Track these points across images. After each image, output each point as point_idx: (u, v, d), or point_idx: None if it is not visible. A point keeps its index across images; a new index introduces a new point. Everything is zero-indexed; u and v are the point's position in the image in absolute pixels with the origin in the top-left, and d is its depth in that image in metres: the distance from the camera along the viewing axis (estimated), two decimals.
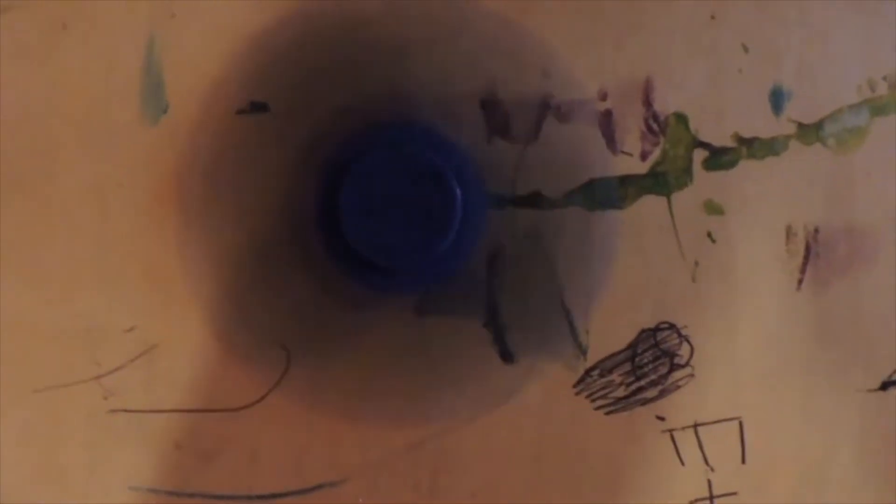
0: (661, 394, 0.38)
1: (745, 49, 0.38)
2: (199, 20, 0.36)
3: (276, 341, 0.37)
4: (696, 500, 0.38)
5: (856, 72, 0.38)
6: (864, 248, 0.38)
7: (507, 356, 0.37)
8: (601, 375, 0.37)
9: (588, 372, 0.37)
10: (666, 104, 0.37)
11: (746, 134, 0.38)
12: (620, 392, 0.37)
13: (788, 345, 0.38)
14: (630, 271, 0.37)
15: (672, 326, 0.37)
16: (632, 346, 0.37)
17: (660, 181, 0.37)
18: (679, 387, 0.38)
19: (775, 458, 0.38)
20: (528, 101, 0.37)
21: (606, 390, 0.37)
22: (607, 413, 0.37)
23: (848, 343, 0.38)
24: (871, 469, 0.38)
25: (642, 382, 0.38)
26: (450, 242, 0.35)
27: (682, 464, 0.38)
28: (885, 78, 0.38)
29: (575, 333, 0.37)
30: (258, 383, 0.36)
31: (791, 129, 0.38)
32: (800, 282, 0.38)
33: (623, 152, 0.37)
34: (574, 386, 0.37)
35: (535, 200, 0.37)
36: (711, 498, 0.38)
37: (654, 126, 0.37)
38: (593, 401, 0.37)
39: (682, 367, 0.38)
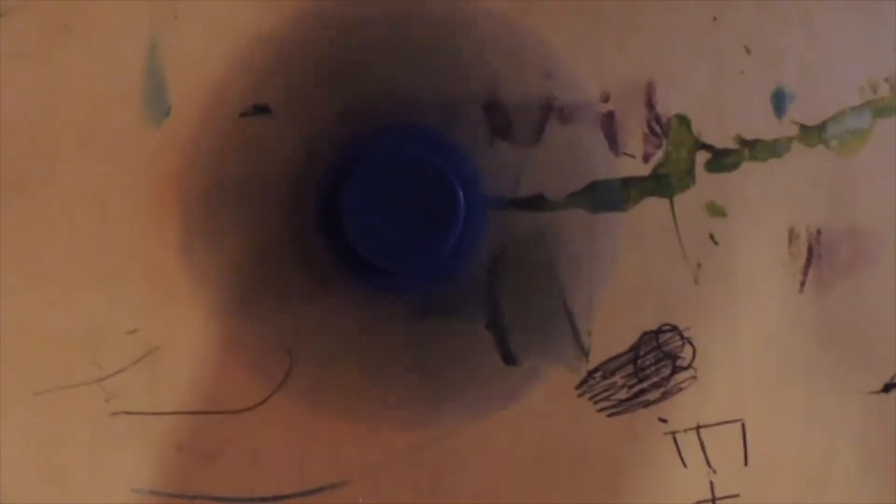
0: (664, 396, 0.38)
1: (748, 51, 0.38)
2: (202, 22, 0.36)
3: (278, 343, 0.37)
4: (699, 502, 0.38)
5: (858, 73, 0.38)
6: (867, 249, 0.38)
7: (508, 358, 0.37)
8: (603, 377, 0.37)
9: (590, 374, 0.37)
10: (668, 106, 0.37)
11: (749, 136, 0.38)
12: (622, 394, 0.37)
13: (791, 347, 0.38)
14: (632, 273, 0.37)
15: (674, 328, 0.37)
16: (634, 348, 0.37)
17: (662, 183, 0.37)
18: (681, 389, 0.38)
19: (777, 460, 0.38)
20: (530, 102, 0.37)
21: (608, 392, 0.37)
22: (609, 415, 0.37)
23: (850, 345, 0.38)
24: (872, 471, 0.38)
25: (644, 384, 0.38)
26: (452, 244, 0.35)
27: (685, 466, 0.38)
28: (886, 79, 0.38)
29: (577, 335, 0.37)
30: (260, 385, 0.36)
31: (793, 130, 0.38)
32: (802, 284, 0.38)
33: (625, 154, 0.37)
34: (576, 388, 0.37)
35: (537, 202, 0.37)
36: (714, 500, 0.38)
37: (657, 128, 0.37)
38: (595, 403, 0.37)
39: (685, 369, 0.38)
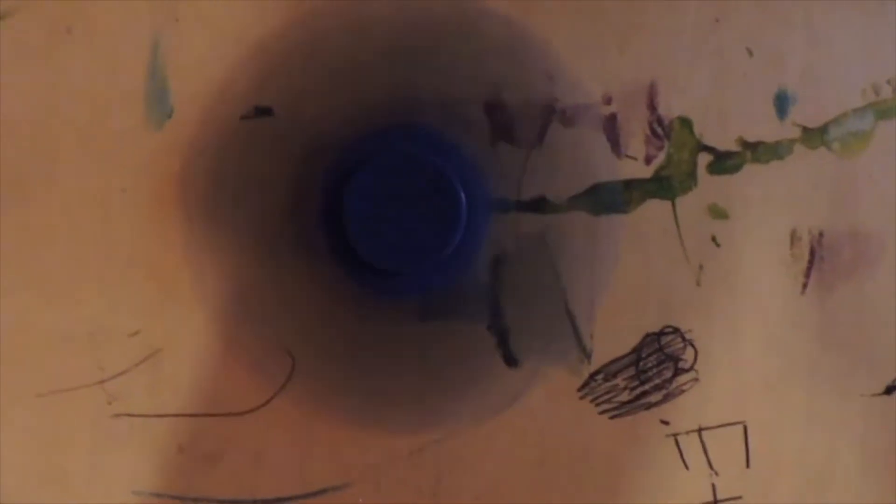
0: (666, 398, 0.38)
1: (750, 53, 0.38)
2: (204, 24, 0.36)
3: (280, 345, 0.36)
4: None
5: (860, 75, 0.38)
6: (869, 252, 0.38)
7: (510, 360, 0.37)
8: (605, 380, 0.37)
9: (592, 376, 0.37)
10: (670, 108, 0.37)
11: (751, 138, 0.38)
12: (624, 396, 0.37)
13: (793, 349, 0.38)
14: (634, 275, 0.37)
15: (676, 330, 0.37)
16: (636, 350, 0.37)
17: (664, 185, 0.37)
18: (683, 391, 0.38)
19: (779, 462, 0.38)
20: (532, 105, 0.37)
21: (610, 394, 0.37)
22: (611, 417, 0.37)
23: (852, 347, 0.38)
24: (874, 473, 0.38)
25: (646, 387, 0.38)
26: (454, 246, 0.35)
27: (686, 468, 0.38)
28: (889, 81, 0.38)
29: (579, 337, 0.37)
30: (262, 387, 0.36)
31: (795, 132, 0.38)
32: (804, 286, 0.38)
33: (627, 156, 0.37)
34: (578, 390, 0.37)
35: (539, 205, 0.37)
36: (715, 502, 0.38)
37: (659, 130, 0.37)
38: (597, 405, 0.37)
39: (687, 371, 0.38)
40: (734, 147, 0.38)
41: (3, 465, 0.36)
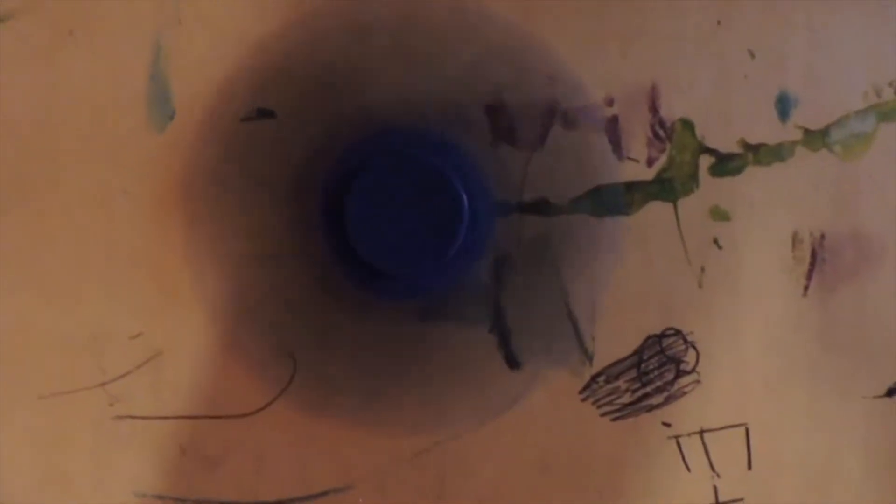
0: (667, 400, 0.38)
1: (752, 55, 0.38)
2: (206, 27, 0.36)
3: (281, 348, 0.36)
4: None
5: (862, 78, 0.38)
6: (871, 253, 0.38)
7: (512, 362, 0.37)
8: (607, 382, 0.37)
9: (594, 378, 0.37)
10: (672, 110, 0.37)
11: (753, 140, 0.38)
12: (626, 398, 0.37)
13: (794, 351, 0.38)
14: (636, 277, 0.37)
15: (678, 332, 0.37)
16: (638, 352, 0.37)
17: (666, 187, 0.37)
18: (685, 393, 0.38)
19: (781, 464, 0.38)
20: (534, 107, 0.37)
21: (612, 396, 0.37)
22: (613, 419, 0.37)
23: (854, 349, 0.38)
24: (876, 475, 0.38)
25: (648, 389, 0.38)
26: (455, 248, 0.35)
27: (688, 470, 0.38)
28: (890, 84, 0.38)
29: (581, 339, 0.37)
30: (264, 390, 0.36)
31: (797, 135, 0.38)
32: (806, 288, 0.38)
33: (629, 158, 0.37)
34: (580, 392, 0.37)
35: (541, 207, 0.37)
36: None
37: (661, 132, 0.37)
38: (599, 407, 0.37)
39: (688, 373, 0.38)
40: (736, 149, 0.38)
41: (5, 467, 0.36)
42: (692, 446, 0.38)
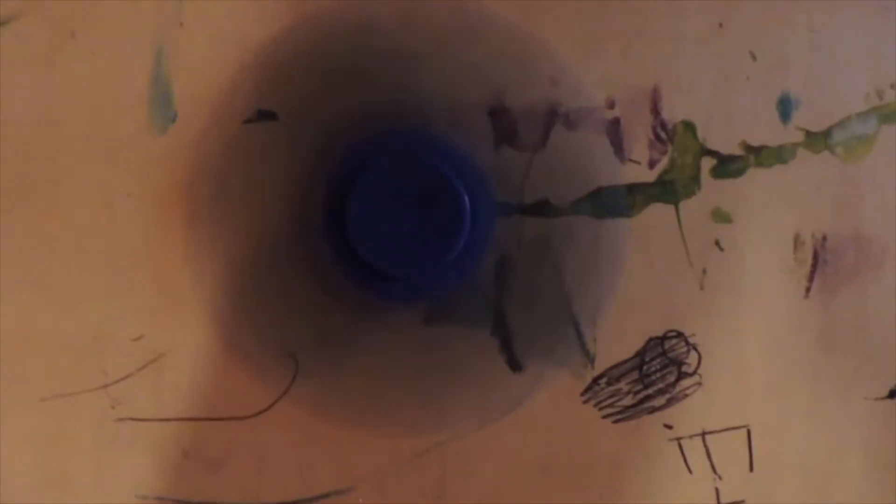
0: (669, 402, 0.38)
1: (753, 57, 0.38)
2: (208, 28, 0.36)
3: (283, 349, 0.36)
4: None
5: (863, 80, 0.38)
6: (872, 255, 0.38)
7: (514, 364, 0.37)
8: (609, 384, 0.37)
9: (595, 380, 0.37)
10: (674, 112, 0.37)
11: (754, 142, 0.38)
12: (628, 400, 0.37)
13: (796, 353, 0.38)
14: (638, 279, 0.37)
15: (680, 334, 0.37)
16: (639, 354, 0.37)
17: (668, 189, 0.37)
18: (687, 395, 0.38)
19: (783, 466, 0.38)
20: (535, 109, 0.37)
21: (614, 398, 0.37)
22: (615, 421, 0.37)
23: (855, 351, 0.38)
24: (877, 477, 0.38)
25: (650, 391, 0.38)
26: (457, 250, 0.35)
27: (690, 472, 0.38)
28: (892, 86, 0.38)
29: (582, 341, 0.37)
30: (266, 391, 0.36)
31: (799, 136, 0.38)
32: (807, 290, 0.38)
33: (631, 160, 0.37)
34: (581, 394, 0.37)
35: (542, 208, 0.37)
36: None
37: (662, 134, 0.37)
38: (601, 409, 0.37)
39: (690, 375, 0.38)
40: (737, 151, 0.38)
41: (6, 470, 0.36)
42: (694, 448, 0.38)
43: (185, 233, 0.36)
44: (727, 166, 0.38)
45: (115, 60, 0.36)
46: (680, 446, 0.38)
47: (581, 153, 0.37)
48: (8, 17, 0.36)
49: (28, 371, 0.36)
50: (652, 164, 0.37)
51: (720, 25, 0.38)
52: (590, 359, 0.37)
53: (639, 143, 0.37)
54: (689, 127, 0.37)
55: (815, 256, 0.38)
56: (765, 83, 0.38)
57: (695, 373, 0.38)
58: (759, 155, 0.38)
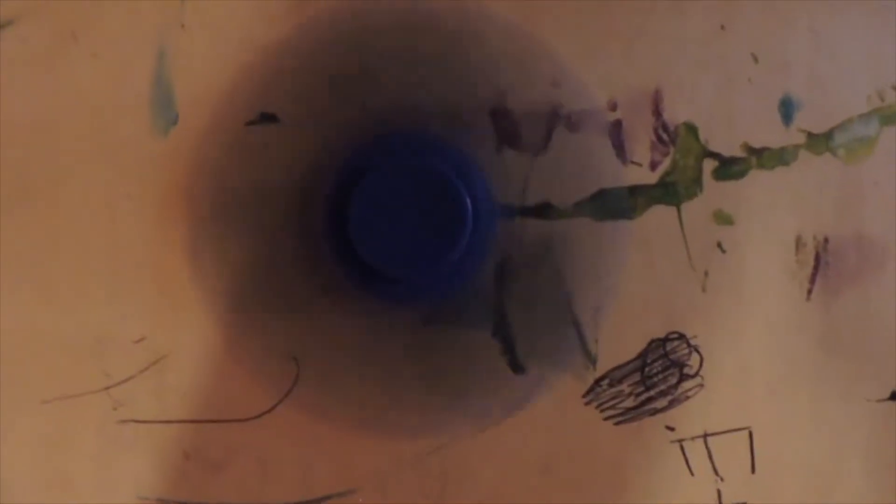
0: (671, 404, 0.38)
1: (755, 59, 0.38)
2: (209, 31, 0.36)
3: (284, 351, 0.36)
4: None
5: (865, 81, 0.38)
6: (874, 257, 0.38)
7: (516, 366, 0.37)
8: (610, 385, 0.37)
9: (597, 382, 0.37)
10: (675, 114, 0.37)
11: (756, 144, 0.38)
12: (630, 402, 0.37)
13: (798, 354, 0.38)
14: (639, 281, 0.37)
15: (681, 336, 0.37)
16: (641, 356, 0.37)
17: (669, 191, 0.37)
18: (688, 397, 0.38)
19: (784, 467, 0.38)
20: (537, 111, 0.37)
21: (616, 400, 0.37)
22: (616, 423, 0.37)
23: (857, 353, 0.38)
24: (879, 479, 0.38)
25: (652, 392, 0.38)
26: (459, 253, 0.35)
27: (692, 474, 0.38)
28: (894, 87, 0.38)
29: (584, 343, 0.37)
30: (267, 394, 0.36)
31: (801, 138, 0.38)
32: (809, 291, 0.38)
33: (633, 162, 0.37)
34: (583, 396, 0.37)
35: (544, 210, 0.37)
36: None
37: (664, 136, 0.37)
38: (602, 411, 0.37)
39: (692, 377, 0.38)
40: (739, 153, 0.38)
41: (9, 471, 0.36)
42: (695, 450, 0.38)
43: (186, 235, 0.36)
44: (729, 168, 0.38)
45: (116, 62, 0.36)
46: (682, 448, 0.38)
47: (583, 155, 0.37)
48: (9, 18, 0.36)
49: (30, 373, 0.36)
50: (654, 166, 0.37)
51: (722, 27, 0.38)
52: (591, 360, 0.37)
53: (640, 144, 0.37)
54: (690, 129, 0.37)
55: (817, 258, 0.38)
56: (766, 85, 0.38)
57: (696, 374, 0.38)
58: (761, 157, 0.38)
